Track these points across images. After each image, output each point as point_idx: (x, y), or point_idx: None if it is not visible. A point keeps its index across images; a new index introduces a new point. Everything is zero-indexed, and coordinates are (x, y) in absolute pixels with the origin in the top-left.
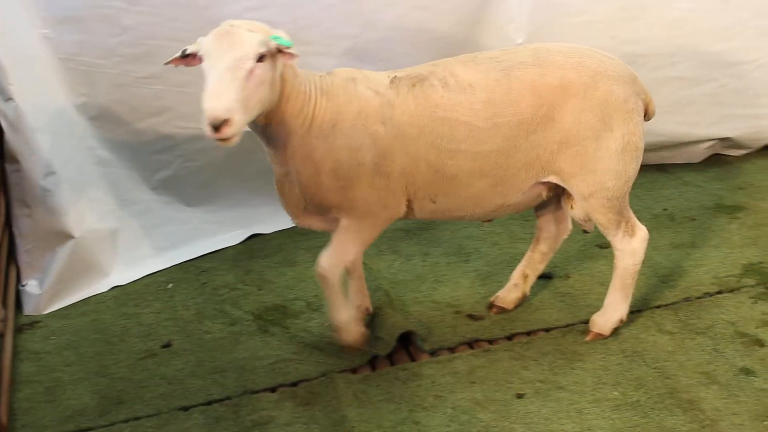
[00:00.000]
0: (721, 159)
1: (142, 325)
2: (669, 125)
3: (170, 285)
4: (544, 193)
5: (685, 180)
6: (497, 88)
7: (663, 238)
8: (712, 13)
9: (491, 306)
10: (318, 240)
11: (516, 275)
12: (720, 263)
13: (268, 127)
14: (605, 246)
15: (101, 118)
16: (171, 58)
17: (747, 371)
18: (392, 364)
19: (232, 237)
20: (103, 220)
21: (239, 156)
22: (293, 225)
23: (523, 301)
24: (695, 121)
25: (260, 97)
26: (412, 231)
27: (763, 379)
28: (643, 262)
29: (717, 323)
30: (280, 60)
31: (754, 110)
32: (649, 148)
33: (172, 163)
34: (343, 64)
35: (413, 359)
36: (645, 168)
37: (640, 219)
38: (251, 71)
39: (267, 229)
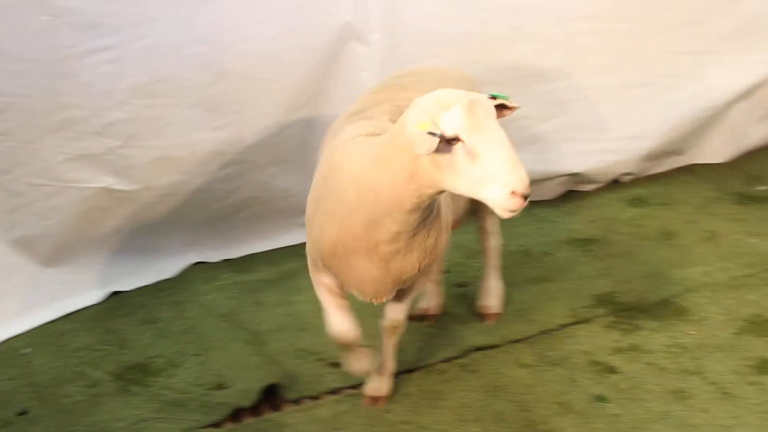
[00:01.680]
0: (574, 194)
1: None
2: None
3: (28, 350)
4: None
5: (540, 216)
6: None
7: (519, 274)
8: (553, 53)
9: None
10: (179, 295)
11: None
12: (574, 295)
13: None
14: (464, 284)
15: None
16: (431, 147)
17: (601, 398)
18: (256, 415)
19: (92, 296)
20: None
21: (96, 213)
22: (154, 281)
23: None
24: (545, 158)
25: None
26: (275, 281)
27: (615, 404)
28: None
29: (572, 354)
30: None
31: (599, 145)
32: None
33: (24, 222)
34: (195, 116)
35: (277, 409)
36: None
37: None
38: None
39: (127, 286)
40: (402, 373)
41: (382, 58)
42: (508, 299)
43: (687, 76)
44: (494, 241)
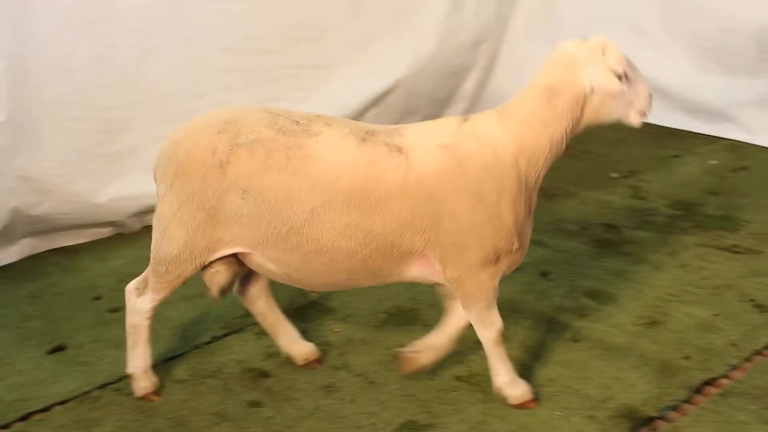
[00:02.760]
0: None
1: None
2: None
3: None
4: None
5: None
6: None
7: (176, 292)
8: (183, 73)
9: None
10: None
11: None
12: (227, 307)
13: None
14: (116, 310)
15: None
16: (625, 87)
17: (255, 403)
18: None
19: None
20: None
21: None
22: None
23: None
24: None
25: None
26: None
27: (269, 407)
28: (155, 318)
29: (226, 364)
30: None
31: None
32: None
33: None
34: None
35: None
36: None
37: None
38: None
39: None
40: (54, 405)
41: (9, 87)
42: (162, 318)
43: (314, 89)
44: None
